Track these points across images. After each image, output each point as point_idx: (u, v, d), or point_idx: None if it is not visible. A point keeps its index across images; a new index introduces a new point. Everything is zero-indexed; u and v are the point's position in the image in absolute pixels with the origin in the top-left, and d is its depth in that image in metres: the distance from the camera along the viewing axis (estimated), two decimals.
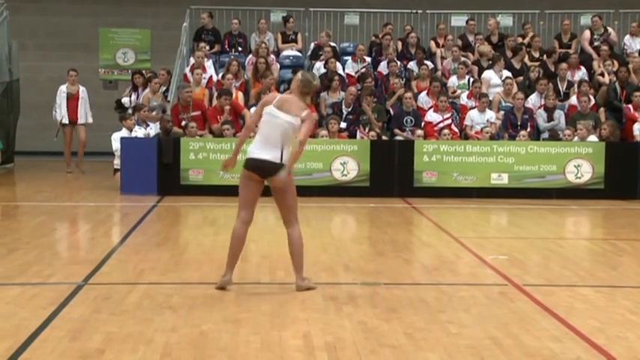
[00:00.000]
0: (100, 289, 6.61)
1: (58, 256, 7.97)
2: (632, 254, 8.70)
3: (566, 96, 15.24)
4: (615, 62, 15.78)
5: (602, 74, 15.59)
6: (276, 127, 6.64)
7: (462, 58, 15.87)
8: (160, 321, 5.67)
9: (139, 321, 5.67)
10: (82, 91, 16.46)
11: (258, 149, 6.68)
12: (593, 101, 14.71)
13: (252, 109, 14.30)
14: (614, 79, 15.30)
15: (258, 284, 6.94)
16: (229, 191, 12.81)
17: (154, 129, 14.10)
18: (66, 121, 16.24)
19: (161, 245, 8.80)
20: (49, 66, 20.62)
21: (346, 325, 5.61)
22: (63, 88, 16.37)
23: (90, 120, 16.53)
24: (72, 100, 16.31)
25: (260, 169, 6.66)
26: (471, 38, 16.94)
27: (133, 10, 20.49)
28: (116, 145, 13.92)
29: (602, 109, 14.86)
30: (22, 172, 16.82)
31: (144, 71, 16.25)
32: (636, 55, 15.98)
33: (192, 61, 15.72)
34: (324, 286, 6.83)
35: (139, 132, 13.96)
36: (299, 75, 6.89)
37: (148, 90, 15.25)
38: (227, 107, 13.87)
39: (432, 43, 16.95)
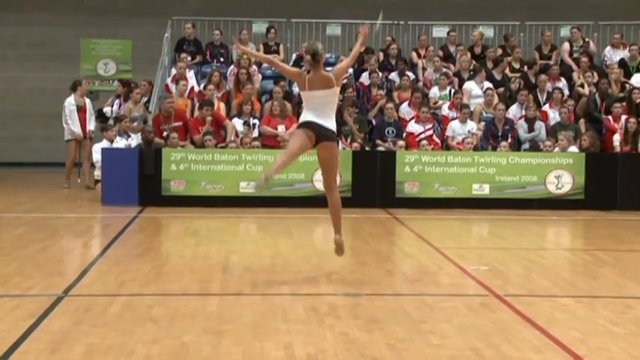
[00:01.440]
0: (80, 301, 6.57)
1: (38, 268, 7.90)
2: (612, 265, 8.72)
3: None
4: (595, 74, 15.90)
5: (582, 85, 15.70)
6: (321, 103, 7.46)
7: (444, 69, 15.93)
8: (141, 332, 5.64)
9: (120, 332, 5.64)
10: (88, 103, 16.02)
11: (315, 117, 7.44)
12: (543, 107, 14.85)
13: (234, 120, 14.34)
14: (594, 90, 15.41)
15: (240, 295, 6.91)
16: (211, 202, 12.99)
17: (135, 140, 14.06)
18: (80, 132, 15.66)
19: (142, 256, 8.76)
20: (30, 76, 20.55)
21: (328, 337, 5.60)
22: (71, 101, 15.68)
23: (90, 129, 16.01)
24: (81, 112, 15.79)
25: (319, 132, 7.43)
26: (452, 49, 17.00)
27: (114, 21, 20.46)
28: (97, 156, 13.86)
29: (582, 120, 14.95)
30: (1, 183, 16.70)
31: (131, 84, 16.13)
32: (615, 66, 16.11)
33: (173, 71, 15.69)
34: (306, 297, 6.82)
35: (120, 143, 13.91)
36: (306, 50, 7.64)
37: (129, 101, 15.20)
38: (209, 118, 13.84)
39: (414, 54, 17.01)
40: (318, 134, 7.44)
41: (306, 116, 7.53)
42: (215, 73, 15.12)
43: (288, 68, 8.18)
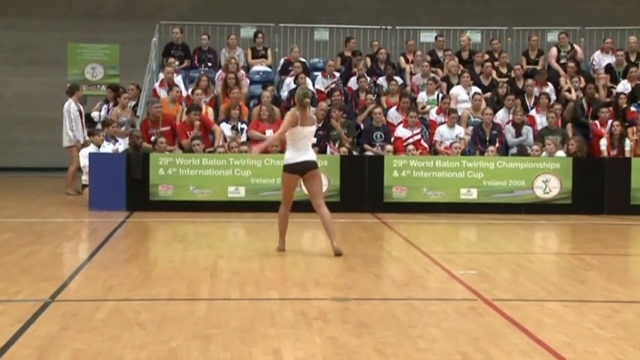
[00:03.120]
0: (67, 306, 6.54)
1: (25, 273, 7.86)
2: (599, 269, 8.74)
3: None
4: (582, 79, 15.97)
5: (569, 90, 15.76)
6: (303, 139, 9.07)
7: (431, 74, 15.97)
8: (128, 338, 5.61)
9: (108, 338, 5.61)
10: (82, 108, 15.73)
11: (303, 154, 9.06)
12: (531, 111, 14.91)
13: (222, 125, 14.33)
14: (581, 95, 15.47)
15: (228, 300, 6.90)
16: (199, 207, 12.97)
17: (122, 144, 14.02)
18: (82, 140, 15.19)
19: (130, 261, 8.73)
20: (17, 81, 20.48)
21: (317, 341, 5.59)
22: (73, 106, 15.27)
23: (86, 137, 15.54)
24: (80, 118, 15.44)
25: (306, 168, 9.07)
26: (439, 54, 17.05)
27: (101, 26, 20.39)
28: (84, 161, 13.81)
29: (569, 125, 15.01)
30: None
31: (120, 89, 16.05)
32: (602, 71, 16.17)
33: (161, 76, 15.66)
34: (295, 301, 6.82)
35: (107, 147, 13.87)
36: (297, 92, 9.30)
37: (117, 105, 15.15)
38: (197, 122, 13.82)
39: (402, 59, 17.04)
40: (304, 171, 9.08)
41: (295, 157, 9.02)
42: (203, 78, 15.10)
43: (286, 123, 9.16)
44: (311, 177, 9.14)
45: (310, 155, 9.13)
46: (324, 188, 13.22)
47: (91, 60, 20.78)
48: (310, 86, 15.66)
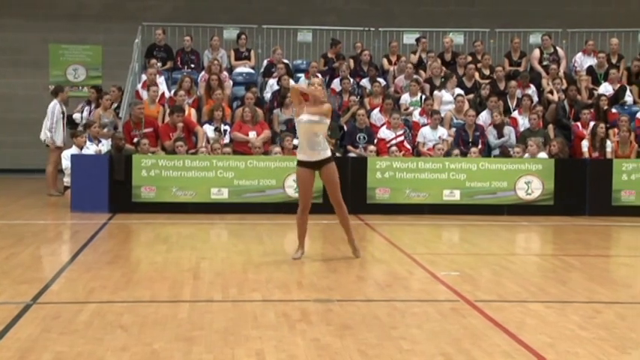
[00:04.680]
0: (49, 309, 6.50)
1: (5, 275, 7.80)
2: (580, 270, 8.77)
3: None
4: (564, 81, 16.05)
5: (551, 92, 15.83)
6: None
7: (414, 76, 16.00)
8: (110, 340, 5.58)
9: (90, 340, 5.58)
10: (65, 110, 15.60)
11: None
12: (513, 113, 14.96)
13: (205, 126, 14.30)
14: (563, 97, 15.54)
15: (211, 302, 6.88)
16: (182, 208, 12.94)
17: (105, 146, 13.96)
18: (61, 143, 15.11)
19: (112, 263, 8.68)
20: None
21: (299, 343, 5.58)
22: (58, 107, 15.17)
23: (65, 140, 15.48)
24: (64, 119, 15.40)
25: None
26: (422, 56, 17.07)
27: (84, 27, 20.29)
28: (66, 163, 13.74)
29: (551, 127, 15.08)
30: None
31: (101, 90, 15.96)
32: (584, 73, 16.26)
33: (144, 77, 15.60)
34: (277, 303, 6.81)
35: (90, 148, 13.81)
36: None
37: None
38: (179, 124, 13.79)
39: (385, 61, 17.07)
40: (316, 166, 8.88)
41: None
42: (186, 79, 15.07)
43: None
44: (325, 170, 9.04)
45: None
46: None
47: (73, 61, 20.67)
48: None
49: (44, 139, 15.28)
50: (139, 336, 5.70)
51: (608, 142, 14.33)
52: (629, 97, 15.76)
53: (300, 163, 8.84)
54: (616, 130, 14.47)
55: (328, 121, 8.82)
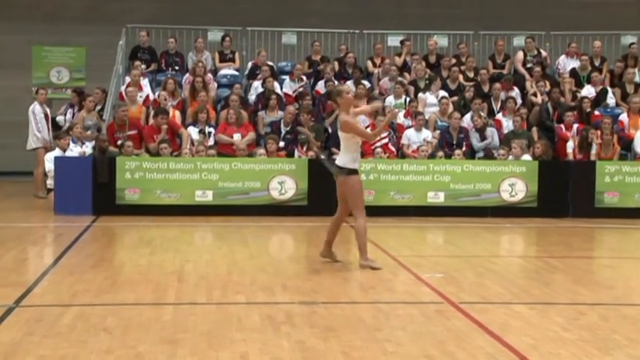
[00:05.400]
0: (32, 312, 6.47)
1: None
2: (563, 271, 8.79)
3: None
4: (547, 83, 16.11)
5: (534, 94, 15.88)
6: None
7: (399, 78, 16.01)
8: (94, 343, 5.56)
9: (73, 343, 5.56)
10: (48, 110, 15.60)
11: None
12: (497, 115, 15.00)
13: (190, 128, 14.26)
14: (547, 99, 15.59)
15: (195, 304, 6.86)
16: (166, 211, 12.88)
17: (89, 148, 13.90)
18: (49, 140, 15.05)
19: (96, 266, 8.64)
20: None
21: (284, 345, 5.58)
22: (38, 109, 15.15)
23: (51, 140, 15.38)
24: (46, 120, 15.31)
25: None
26: (407, 58, 17.09)
27: (67, 28, 20.17)
28: (50, 165, 13.67)
29: (534, 129, 15.13)
30: None
31: (85, 93, 15.89)
32: (567, 75, 16.32)
33: (128, 79, 15.53)
34: (262, 305, 6.80)
35: (74, 150, 13.74)
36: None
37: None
38: (164, 126, 13.75)
39: (369, 63, 17.08)
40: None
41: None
42: (169, 81, 15.03)
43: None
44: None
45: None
46: (292, 192, 13.25)
47: (57, 63, 20.55)
48: (278, 90, 15.66)
49: (35, 147, 15.17)
50: (122, 339, 5.68)
51: (593, 145, 14.37)
52: (611, 100, 15.84)
53: (356, 172, 8.71)
54: (599, 132, 14.52)
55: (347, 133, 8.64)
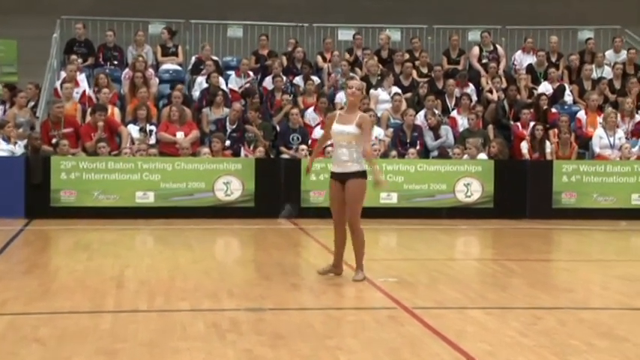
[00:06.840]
0: None
1: None
2: (521, 275, 8.76)
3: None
4: (503, 79, 15.95)
5: (490, 91, 15.71)
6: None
7: (350, 74, 15.65)
8: (25, 354, 5.28)
9: (3, 355, 5.26)
10: None
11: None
12: (452, 113, 14.94)
13: (130, 126, 13.86)
14: (503, 96, 15.44)
15: (136, 312, 6.62)
16: (103, 213, 12.58)
17: (21, 146, 13.39)
18: None
19: (28, 273, 8.39)
20: None
21: (230, 354, 5.34)
22: None
23: None
24: None
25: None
26: (358, 53, 16.78)
27: None
28: None
29: (490, 127, 14.96)
30: None
31: (16, 88, 15.30)
32: (524, 72, 16.15)
33: (63, 74, 15.14)
34: (207, 312, 6.61)
35: (5, 149, 13.22)
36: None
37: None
38: (101, 124, 13.43)
39: (319, 58, 16.74)
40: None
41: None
42: (100, 76, 14.74)
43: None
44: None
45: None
46: (238, 193, 12.99)
47: None
48: (223, 86, 15.25)
49: None
50: (57, 350, 5.40)
51: (548, 144, 14.26)
52: (568, 97, 15.77)
53: (331, 175, 8.19)
54: (556, 130, 14.37)
55: (361, 132, 7.98)
